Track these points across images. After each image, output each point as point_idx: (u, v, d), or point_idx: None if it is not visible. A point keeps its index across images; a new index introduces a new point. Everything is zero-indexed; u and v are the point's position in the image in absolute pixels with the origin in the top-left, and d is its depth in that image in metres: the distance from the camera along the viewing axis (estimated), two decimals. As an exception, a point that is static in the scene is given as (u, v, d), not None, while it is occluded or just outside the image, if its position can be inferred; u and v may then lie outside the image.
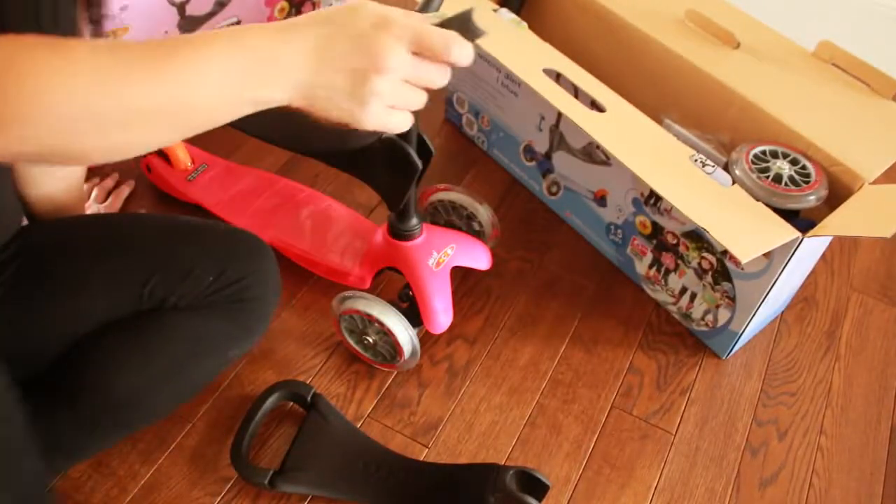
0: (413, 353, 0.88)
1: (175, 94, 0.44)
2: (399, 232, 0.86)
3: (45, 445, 0.67)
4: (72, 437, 0.75)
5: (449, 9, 0.98)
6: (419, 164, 0.74)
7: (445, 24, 0.51)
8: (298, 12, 1.28)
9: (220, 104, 0.46)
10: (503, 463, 0.86)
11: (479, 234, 1.01)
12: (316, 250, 0.99)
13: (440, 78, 0.52)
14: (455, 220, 1.02)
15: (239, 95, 0.46)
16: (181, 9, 1.10)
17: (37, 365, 0.73)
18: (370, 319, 0.86)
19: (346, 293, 0.87)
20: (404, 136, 0.74)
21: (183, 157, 1.07)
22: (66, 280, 0.73)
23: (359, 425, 0.88)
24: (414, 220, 0.86)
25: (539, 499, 0.79)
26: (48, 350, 0.73)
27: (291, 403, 0.89)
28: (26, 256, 0.72)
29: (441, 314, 0.88)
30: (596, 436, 0.90)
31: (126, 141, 0.45)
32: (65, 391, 0.72)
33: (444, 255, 0.88)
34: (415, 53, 0.49)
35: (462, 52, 0.50)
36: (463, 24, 0.51)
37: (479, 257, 0.95)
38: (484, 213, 0.99)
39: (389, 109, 0.50)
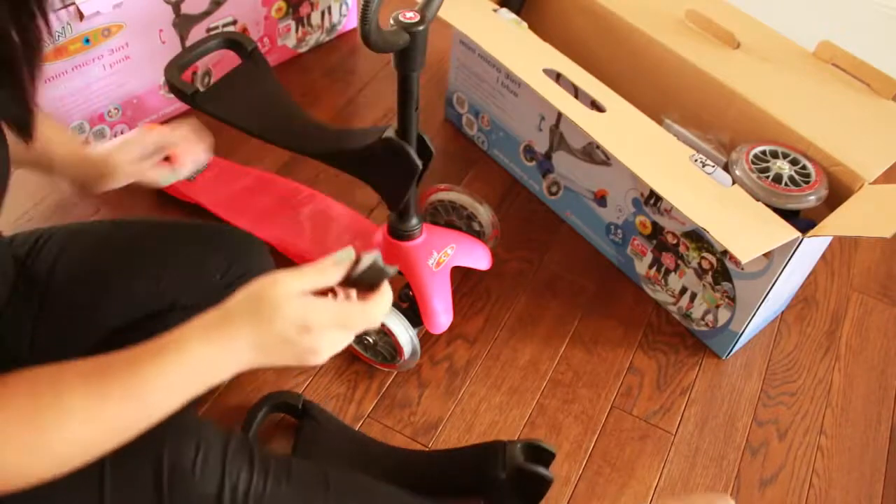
0: (413, 354, 0.88)
1: (144, 413, 0.51)
2: (399, 232, 0.86)
3: None
4: None
5: (451, 11, 0.98)
6: (419, 164, 0.74)
7: (361, 273, 0.55)
8: (296, 13, 1.28)
9: (178, 405, 0.52)
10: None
11: (478, 235, 1.01)
12: (316, 250, 0.99)
13: (373, 325, 0.56)
14: (455, 220, 1.02)
15: (193, 394, 0.52)
16: (176, 7, 1.10)
17: None
18: None
19: None
20: (404, 136, 0.74)
21: None
22: (80, 293, 0.73)
23: (359, 425, 0.88)
24: (414, 220, 0.86)
25: (547, 467, 0.80)
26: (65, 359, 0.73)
27: (283, 415, 0.88)
28: (34, 270, 0.72)
29: (441, 314, 0.88)
30: (596, 436, 0.90)
31: (98, 450, 0.50)
32: None
33: (444, 255, 0.88)
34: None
35: (383, 313, 0.57)
36: (375, 271, 0.55)
37: (479, 257, 0.95)
38: (484, 213, 0.99)
39: (336, 347, 0.55)
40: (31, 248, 0.74)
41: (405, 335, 0.86)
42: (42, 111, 0.75)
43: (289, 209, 1.04)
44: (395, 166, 0.75)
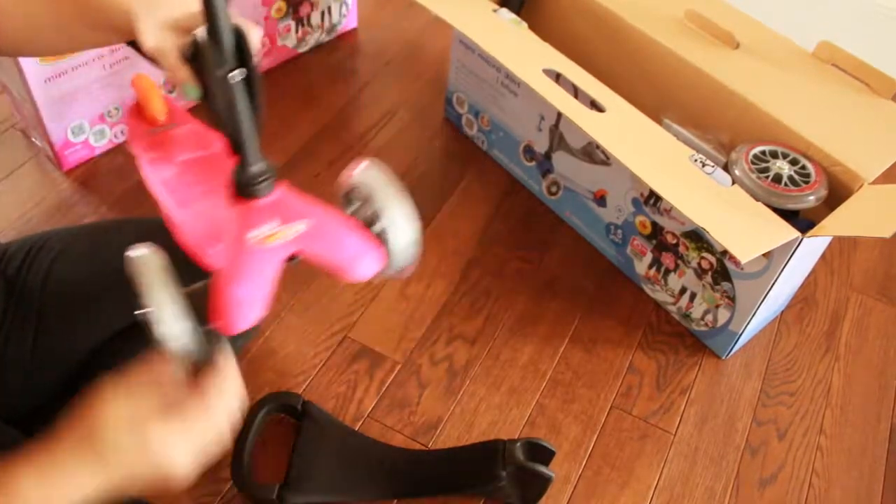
0: (186, 353, 0.60)
1: None
2: (237, 184, 0.60)
3: None
4: None
5: (451, 11, 0.95)
6: (231, 70, 0.52)
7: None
8: (296, 13, 1.28)
9: None
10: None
11: (383, 242, 0.67)
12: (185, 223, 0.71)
13: (227, 422, 0.52)
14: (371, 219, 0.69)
15: None
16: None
17: (50, 388, 0.73)
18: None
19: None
20: (212, 35, 0.53)
21: (158, 108, 0.81)
22: (73, 302, 0.73)
23: (358, 425, 0.88)
24: (253, 170, 0.58)
25: (547, 465, 0.80)
26: (60, 373, 0.73)
27: (283, 415, 0.88)
28: (27, 282, 0.72)
29: (239, 306, 0.62)
30: (595, 436, 0.90)
31: None
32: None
33: (280, 232, 0.61)
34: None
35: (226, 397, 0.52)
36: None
37: (349, 256, 0.65)
38: (397, 211, 0.63)
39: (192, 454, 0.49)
40: (23, 260, 0.74)
41: (171, 327, 0.58)
42: None
43: (208, 178, 0.76)
44: (206, 74, 0.55)
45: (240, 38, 0.52)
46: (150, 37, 0.57)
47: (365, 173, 0.66)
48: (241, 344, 0.84)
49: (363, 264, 0.65)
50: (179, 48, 0.56)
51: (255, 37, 0.56)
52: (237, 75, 0.51)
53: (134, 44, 0.62)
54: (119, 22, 0.60)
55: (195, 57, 0.54)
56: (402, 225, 0.65)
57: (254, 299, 0.61)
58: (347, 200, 0.69)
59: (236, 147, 0.57)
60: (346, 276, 0.63)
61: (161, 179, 0.75)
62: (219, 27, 0.51)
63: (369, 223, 0.66)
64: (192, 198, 0.74)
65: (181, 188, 0.76)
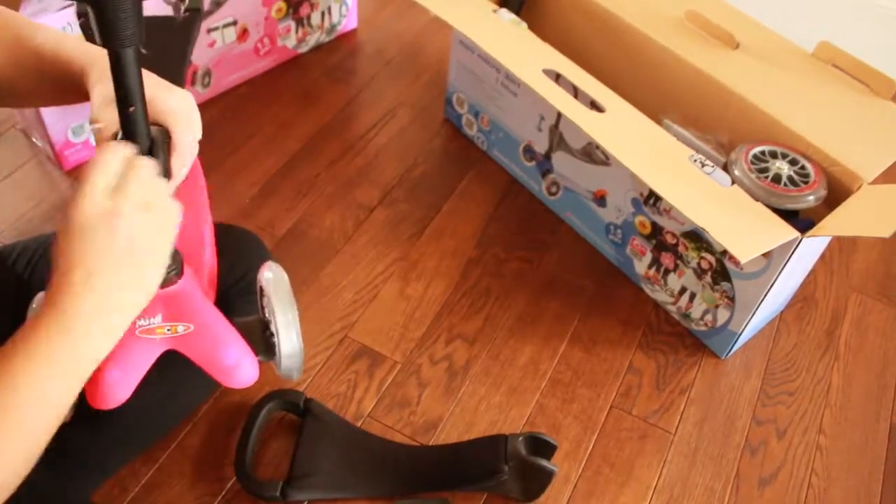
0: None
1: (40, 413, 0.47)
2: None
3: (75, 468, 0.68)
4: (101, 455, 0.76)
5: (451, 11, 0.96)
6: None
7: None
8: (296, 13, 1.28)
9: (70, 393, 0.49)
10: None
11: (269, 348, 0.69)
12: None
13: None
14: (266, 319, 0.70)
15: (77, 371, 0.49)
16: (176, 8, 1.10)
17: None
18: None
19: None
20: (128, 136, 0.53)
21: None
22: None
23: (358, 425, 0.88)
24: None
25: (549, 459, 0.81)
26: None
27: (284, 413, 0.88)
28: (32, 283, 0.72)
29: (110, 386, 0.61)
30: (595, 435, 0.90)
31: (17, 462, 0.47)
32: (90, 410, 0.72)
33: (167, 328, 0.61)
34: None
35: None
36: None
37: (222, 365, 0.65)
38: (282, 322, 0.66)
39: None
40: (28, 261, 0.74)
41: None
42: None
43: None
44: None
45: (153, 146, 0.54)
46: (95, 104, 0.58)
47: (267, 278, 0.69)
48: None
49: (235, 377, 0.66)
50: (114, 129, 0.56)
51: (185, 139, 0.57)
52: None
53: None
54: (76, 79, 0.61)
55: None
56: (285, 336, 0.67)
57: (125, 382, 0.62)
58: (260, 294, 0.72)
59: None
60: (220, 382, 0.66)
61: None
62: (135, 134, 0.52)
63: (271, 320, 0.70)
64: None
65: None
